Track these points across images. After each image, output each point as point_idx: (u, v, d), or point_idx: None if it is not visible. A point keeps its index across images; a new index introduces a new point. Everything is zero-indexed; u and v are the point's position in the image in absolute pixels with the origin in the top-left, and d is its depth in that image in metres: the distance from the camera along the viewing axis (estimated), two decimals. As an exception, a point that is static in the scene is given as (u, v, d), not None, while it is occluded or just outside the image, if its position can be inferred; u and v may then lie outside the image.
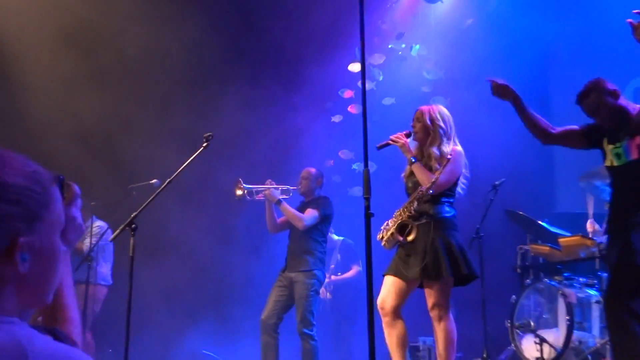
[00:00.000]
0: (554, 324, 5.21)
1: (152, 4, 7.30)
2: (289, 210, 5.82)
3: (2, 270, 1.05)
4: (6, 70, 7.16)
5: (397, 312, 4.28)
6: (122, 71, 7.36)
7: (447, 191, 4.37)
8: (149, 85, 7.62)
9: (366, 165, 2.83)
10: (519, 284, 5.75)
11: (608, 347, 4.82)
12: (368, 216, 2.70)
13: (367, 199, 2.72)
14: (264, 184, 5.89)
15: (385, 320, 4.27)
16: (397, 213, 4.39)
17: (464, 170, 4.44)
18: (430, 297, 4.23)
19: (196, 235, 7.26)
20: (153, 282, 6.72)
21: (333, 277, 7.39)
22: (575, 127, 3.95)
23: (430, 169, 4.31)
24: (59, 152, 6.71)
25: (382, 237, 4.42)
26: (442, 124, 4.42)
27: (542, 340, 5.07)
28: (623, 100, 3.74)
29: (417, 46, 8.13)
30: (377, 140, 7.25)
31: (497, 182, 5.88)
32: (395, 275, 4.29)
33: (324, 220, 5.98)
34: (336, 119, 8.32)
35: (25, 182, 1.09)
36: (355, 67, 7.91)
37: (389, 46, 8.24)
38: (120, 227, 5.28)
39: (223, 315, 7.47)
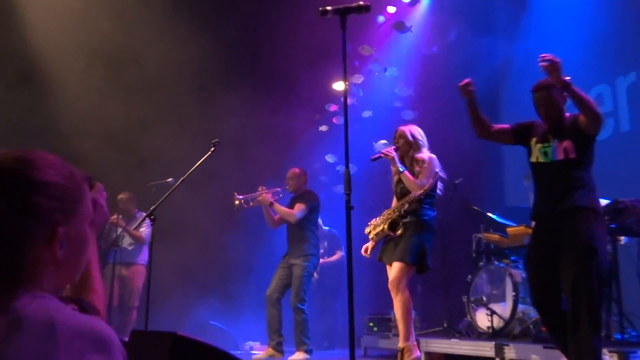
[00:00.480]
0: (503, 299, 5.24)
1: (167, 27, 7.28)
2: (281, 209, 5.90)
3: (44, 255, 1.05)
4: (46, 83, 7.10)
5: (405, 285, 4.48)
6: (142, 81, 7.30)
7: (428, 194, 4.58)
8: (165, 95, 7.58)
9: (347, 167, 2.85)
10: (474, 266, 5.78)
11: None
12: (349, 209, 2.74)
13: (348, 195, 2.76)
14: (256, 192, 5.96)
15: (393, 296, 4.49)
16: (386, 212, 4.70)
17: (439, 173, 4.67)
18: (392, 273, 4.47)
19: (207, 224, 7.23)
20: (169, 263, 6.70)
21: (321, 260, 7.42)
22: (507, 126, 3.87)
23: (413, 173, 4.57)
24: (90, 152, 6.69)
25: (370, 232, 4.76)
26: (419, 137, 4.73)
27: (493, 312, 5.12)
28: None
29: (394, 68, 8.17)
30: (358, 145, 7.32)
31: (456, 181, 5.91)
32: (388, 263, 4.57)
33: (312, 211, 6.05)
34: (323, 128, 8.41)
35: (63, 181, 1.10)
36: (339, 86, 7.95)
37: (369, 67, 8.28)
38: (141, 219, 5.31)
39: (228, 292, 7.47)
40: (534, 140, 3.70)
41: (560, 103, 3.60)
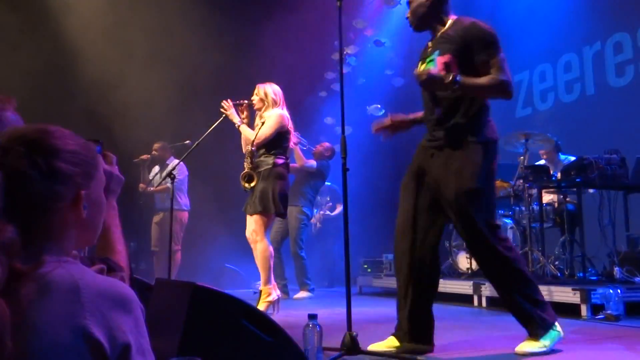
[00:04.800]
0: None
1: (195, 37, 7.13)
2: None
3: (69, 216, 1.03)
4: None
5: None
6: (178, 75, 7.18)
7: (275, 145, 4.33)
8: (194, 87, 7.45)
9: (343, 132, 2.76)
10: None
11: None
12: (344, 171, 2.67)
13: (344, 158, 2.67)
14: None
15: (252, 246, 4.34)
16: (245, 165, 4.41)
17: (288, 127, 4.42)
18: (250, 225, 4.30)
19: (220, 171, 7.18)
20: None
21: (322, 212, 7.44)
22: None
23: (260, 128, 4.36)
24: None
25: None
26: (273, 96, 4.45)
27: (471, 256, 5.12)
28: (446, 9, 2.79)
29: (386, 40, 7.99)
30: (353, 109, 7.23)
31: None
32: (249, 214, 4.32)
33: (316, 175, 6.05)
34: (323, 94, 8.31)
35: (82, 149, 1.07)
36: (336, 56, 7.80)
37: (363, 39, 8.10)
38: (163, 177, 5.27)
39: (242, 237, 7.44)
40: (419, 64, 2.83)
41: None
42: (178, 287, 2.00)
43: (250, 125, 4.51)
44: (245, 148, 4.42)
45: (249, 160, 4.35)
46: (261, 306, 4.16)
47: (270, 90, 4.47)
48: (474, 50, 2.61)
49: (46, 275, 0.93)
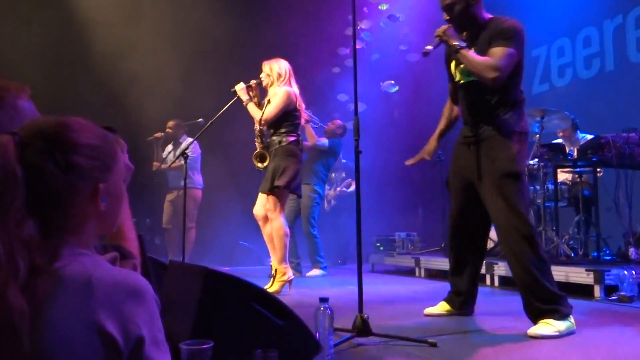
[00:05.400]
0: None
1: (207, 12, 7.06)
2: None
3: (88, 208, 1.05)
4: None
5: (266, 217, 4.33)
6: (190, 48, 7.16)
7: (284, 123, 4.31)
8: (211, 67, 7.39)
9: (356, 113, 2.70)
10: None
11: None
12: (357, 154, 2.64)
13: (357, 140, 2.64)
14: None
15: (260, 224, 4.37)
16: (256, 144, 4.41)
17: (297, 105, 4.38)
18: (260, 203, 4.34)
19: (233, 149, 7.19)
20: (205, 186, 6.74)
21: (338, 189, 7.43)
22: (450, 85, 3.20)
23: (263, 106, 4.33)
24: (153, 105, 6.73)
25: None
26: (278, 70, 4.40)
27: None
28: (479, 9, 2.88)
29: (401, 15, 7.87)
30: (367, 86, 7.18)
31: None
32: (262, 192, 4.33)
33: (328, 152, 6.02)
34: (336, 70, 8.22)
35: (99, 142, 1.08)
36: (349, 31, 7.70)
37: (381, 24, 7.97)
38: (177, 156, 5.29)
39: (253, 217, 7.47)
40: (453, 63, 3.02)
41: (470, 6, 2.84)
42: (190, 270, 2.02)
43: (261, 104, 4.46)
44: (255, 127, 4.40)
45: (259, 139, 4.35)
46: (276, 285, 4.19)
47: (276, 65, 4.42)
48: (493, 40, 2.78)
49: (60, 270, 0.95)
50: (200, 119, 5.98)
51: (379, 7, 7.78)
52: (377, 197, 6.84)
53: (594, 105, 6.20)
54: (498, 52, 2.70)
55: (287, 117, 4.33)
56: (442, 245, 5.73)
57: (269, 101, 4.33)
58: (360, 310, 2.53)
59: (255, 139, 4.38)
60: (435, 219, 6.26)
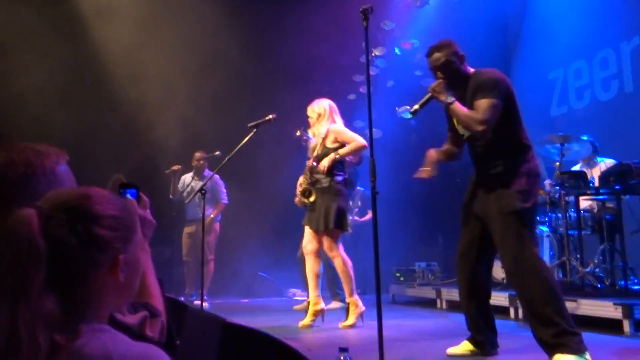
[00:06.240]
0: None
1: (220, 37, 7.17)
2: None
3: (107, 281, 1.05)
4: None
5: (316, 252, 4.51)
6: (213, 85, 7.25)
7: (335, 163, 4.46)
8: (226, 97, 7.49)
9: (372, 156, 2.72)
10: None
11: (556, 269, 4.77)
12: (374, 195, 2.63)
13: (373, 182, 2.64)
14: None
15: (308, 257, 4.52)
16: (301, 180, 4.58)
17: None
18: (325, 243, 4.42)
19: (252, 181, 7.22)
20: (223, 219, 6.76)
21: (356, 218, 7.40)
22: (449, 134, 3.30)
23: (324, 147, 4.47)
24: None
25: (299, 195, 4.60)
26: (319, 111, 4.58)
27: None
28: (465, 67, 3.04)
29: (416, 41, 7.90)
30: (383, 112, 7.18)
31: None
32: (312, 229, 4.47)
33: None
34: (351, 97, 8.25)
35: (120, 212, 1.08)
36: (364, 59, 7.75)
37: (396, 51, 8.01)
38: (194, 193, 5.32)
39: (274, 245, 7.47)
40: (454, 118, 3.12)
41: (452, 61, 3.00)
42: (209, 321, 2.02)
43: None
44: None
45: (308, 174, 4.48)
46: (351, 318, 4.31)
47: (315, 107, 4.62)
48: (476, 94, 2.90)
49: (81, 348, 0.94)
50: (217, 152, 6.02)
51: (382, 25, 7.82)
52: (396, 225, 6.79)
53: (614, 127, 6.13)
54: (481, 105, 2.84)
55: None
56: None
57: (323, 139, 4.50)
58: (381, 357, 2.49)
59: (304, 174, 4.53)
60: (455, 248, 6.17)
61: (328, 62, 7.95)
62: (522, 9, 7.82)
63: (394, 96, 7.84)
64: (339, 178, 4.48)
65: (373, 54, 7.94)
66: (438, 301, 5.51)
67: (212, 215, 6.56)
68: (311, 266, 4.51)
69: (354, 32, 7.39)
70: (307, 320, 4.37)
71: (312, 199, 4.43)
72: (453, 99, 2.94)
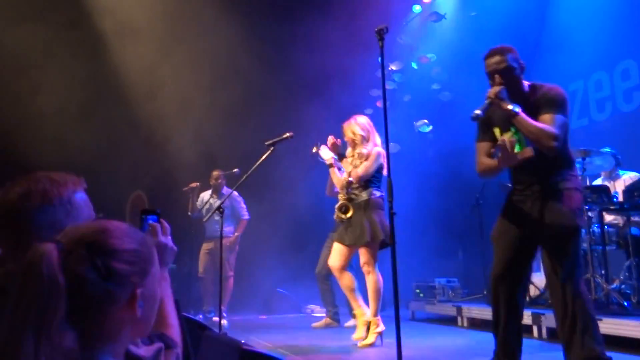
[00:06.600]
0: (538, 269, 5.03)
1: (237, 52, 7.22)
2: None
3: (124, 315, 1.04)
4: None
5: (343, 268, 4.48)
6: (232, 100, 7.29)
7: (372, 178, 4.49)
8: (241, 110, 7.52)
9: (389, 176, 2.70)
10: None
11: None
12: (392, 215, 2.60)
13: (390, 202, 2.61)
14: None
15: (337, 275, 4.50)
16: (339, 196, 4.56)
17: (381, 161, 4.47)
18: (361, 256, 4.40)
19: (271, 196, 7.21)
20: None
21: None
22: (484, 144, 3.05)
23: (356, 166, 4.46)
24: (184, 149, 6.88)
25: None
26: (362, 133, 4.56)
27: (530, 282, 4.92)
28: (523, 80, 2.89)
29: (433, 55, 7.87)
30: (401, 127, 7.14)
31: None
32: (346, 245, 4.45)
33: None
34: (368, 111, 8.22)
35: (139, 246, 1.08)
36: (380, 74, 7.73)
37: (413, 65, 7.99)
38: (212, 211, 5.34)
39: (292, 261, 7.44)
40: (498, 130, 2.96)
41: (512, 67, 2.82)
42: (226, 346, 2.00)
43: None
44: (330, 190, 4.74)
45: (344, 191, 4.49)
46: (371, 337, 4.26)
47: (357, 127, 4.59)
48: (542, 107, 2.78)
49: None
50: (235, 170, 6.04)
51: (399, 40, 7.82)
52: (415, 241, 6.71)
53: (636, 140, 6.01)
54: (553, 120, 2.72)
55: (375, 173, 4.52)
56: (484, 292, 5.54)
57: (359, 156, 4.50)
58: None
59: (340, 190, 4.52)
60: (475, 264, 6.09)
61: (344, 75, 7.97)
62: (540, 20, 7.74)
63: (412, 110, 7.82)
64: (377, 193, 4.49)
65: (390, 68, 7.93)
66: (459, 319, 5.41)
67: (237, 234, 6.58)
68: (344, 282, 4.46)
69: (370, 45, 7.40)
70: (371, 339, 4.25)
71: (349, 214, 4.43)
72: (519, 108, 2.74)
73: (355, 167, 4.49)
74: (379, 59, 3.13)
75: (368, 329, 4.33)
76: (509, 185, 5.54)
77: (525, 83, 2.91)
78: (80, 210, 1.44)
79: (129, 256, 1.05)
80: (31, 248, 0.99)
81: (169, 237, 1.56)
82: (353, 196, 4.49)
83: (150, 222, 1.60)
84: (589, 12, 7.09)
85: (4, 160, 6.45)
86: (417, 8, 8.05)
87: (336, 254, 4.49)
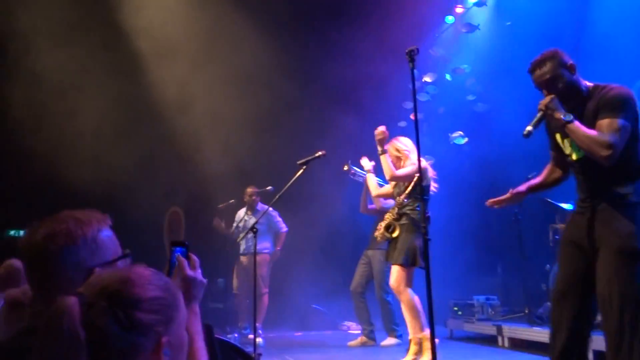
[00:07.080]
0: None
1: (268, 66, 7.25)
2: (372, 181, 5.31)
3: None
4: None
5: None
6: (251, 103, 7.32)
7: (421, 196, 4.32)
8: (271, 123, 7.55)
9: (422, 201, 2.61)
10: (552, 255, 5.35)
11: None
12: (426, 242, 2.53)
13: (425, 228, 2.55)
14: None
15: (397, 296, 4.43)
16: (387, 215, 4.58)
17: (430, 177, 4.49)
18: (392, 276, 4.38)
19: (305, 213, 7.19)
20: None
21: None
22: (551, 153, 2.94)
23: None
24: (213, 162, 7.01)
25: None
26: (406, 151, 4.63)
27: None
28: (578, 78, 2.70)
29: (448, 76, 7.77)
30: (436, 139, 7.02)
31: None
32: (389, 261, 4.53)
33: None
34: (402, 124, 8.13)
35: (162, 293, 1.07)
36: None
37: (447, 77, 7.89)
38: (245, 232, 5.35)
39: (327, 278, 7.37)
40: (558, 135, 2.79)
41: (562, 74, 2.64)
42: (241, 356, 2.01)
43: None
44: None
45: (396, 209, 4.49)
46: (426, 355, 4.12)
47: (401, 145, 4.71)
48: (600, 111, 2.58)
49: None
50: (269, 187, 6.05)
51: (432, 52, 7.74)
52: (452, 256, 6.57)
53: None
54: (608, 126, 2.50)
55: (422, 190, 4.32)
56: (526, 311, 5.34)
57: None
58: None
59: (392, 209, 4.56)
60: (515, 280, 5.90)
61: (377, 86, 7.91)
62: (578, 27, 7.52)
63: (446, 122, 7.69)
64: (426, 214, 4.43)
65: (423, 80, 7.83)
66: (499, 338, 5.22)
67: (278, 248, 6.61)
68: (405, 302, 4.32)
69: (403, 56, 7.32)
70: (428, 356, 4.04)
71: (395, 234, 4.43)
72: (572, 116, 2.56)
73: (408, 188, 4.50)
74: (411, 82, 3.04)
75: (410, 346, 4.27)
76: (547, 200, 5.44)
77: (588, 84, 2.70)
78: (105, 249, 1.43)
79: (153, 305, 1.03)
80: (54, 302, 0.99)
81: (198, 271, 1.55)
82: (408, 211, 4.45)
83: (178, 254, 1.57)
84: (632, 15, 6.83)
85: (45, 181, 6.63)
86: (450, 19, 7.94)
87: (394, 276, 4.40)
